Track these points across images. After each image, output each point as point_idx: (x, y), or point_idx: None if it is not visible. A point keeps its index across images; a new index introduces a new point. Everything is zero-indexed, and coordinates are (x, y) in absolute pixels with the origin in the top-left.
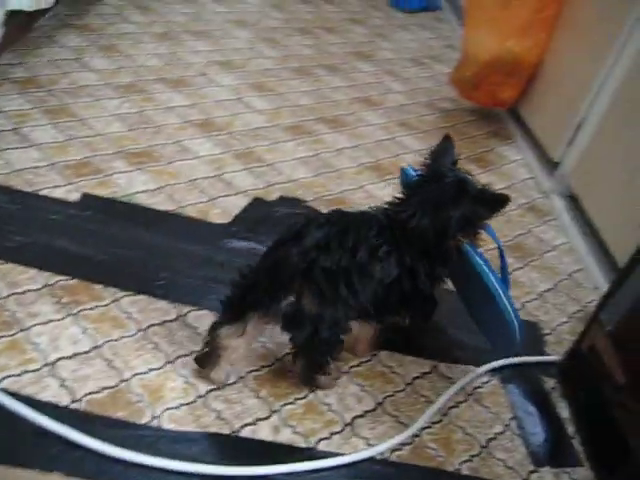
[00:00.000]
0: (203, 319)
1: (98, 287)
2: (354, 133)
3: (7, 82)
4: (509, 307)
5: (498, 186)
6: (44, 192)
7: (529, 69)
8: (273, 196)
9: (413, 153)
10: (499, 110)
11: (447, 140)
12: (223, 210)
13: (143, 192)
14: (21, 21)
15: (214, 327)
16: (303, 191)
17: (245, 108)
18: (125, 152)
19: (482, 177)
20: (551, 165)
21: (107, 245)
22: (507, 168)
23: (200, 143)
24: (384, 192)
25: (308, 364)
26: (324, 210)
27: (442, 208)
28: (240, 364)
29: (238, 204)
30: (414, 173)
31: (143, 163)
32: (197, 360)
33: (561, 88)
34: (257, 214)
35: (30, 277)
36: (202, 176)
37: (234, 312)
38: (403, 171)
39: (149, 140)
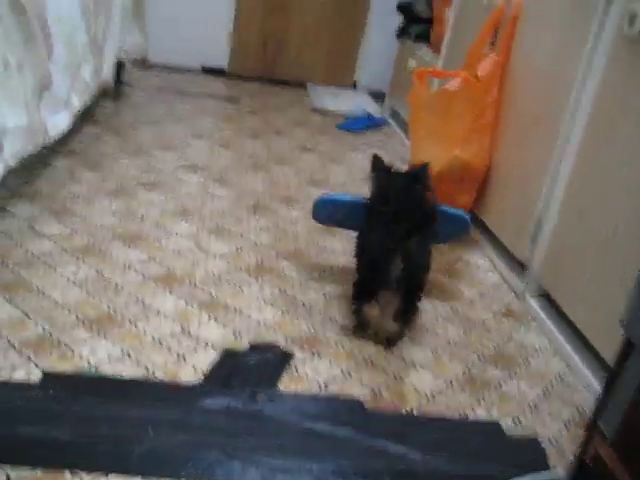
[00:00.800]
0: None
1: (66, 475)
2: (317, 263)
3: None
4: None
5: (471, 294)
6: (3, 377)
7: (479, 173)
8: (243, 344)
9: None
10: None
11: (377, 157)
12: (193, 367)
13: (107, 361)
14: None
15: (357, 310)
16: (273, 334)
17: (205, 254)
18: (86, 319)
19: (454, 288)
20: (519, 265)
21: (73, 425)
22: (477, 275)
23: (163, 298)
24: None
25: (409, 306)
26: (297, 352)
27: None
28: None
29: (208, 359)
30: (340, 197)
31: (105, 328)
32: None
33: (515, 188)
34: (229, 367)
35: None
36: (168, 333)
37: (367, 295)
38: (322, 201)
39: (109, 303)
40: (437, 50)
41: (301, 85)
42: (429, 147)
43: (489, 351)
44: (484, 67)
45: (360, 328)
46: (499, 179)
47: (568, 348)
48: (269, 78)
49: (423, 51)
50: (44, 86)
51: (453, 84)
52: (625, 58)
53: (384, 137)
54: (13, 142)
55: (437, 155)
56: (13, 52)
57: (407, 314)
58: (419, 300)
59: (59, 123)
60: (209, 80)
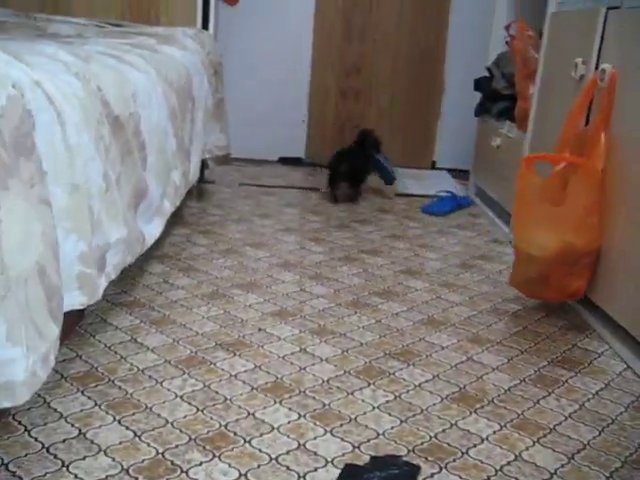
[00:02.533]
0: None
1: None
2: (427, 362)
3: (65, 381)
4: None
5: (597, 386)
6: None
7: (591, 255)
8: (364, 458)
9: (495, 371)
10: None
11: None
12: None
13: None
14: (72, 312)
15: (332, 190)
16: (394, 445)
17: (311, 359)
18: (198, 438)
19: (575, 380)
20: None
21: None
22: (598, 363)
23: (274, 411)
24: (478, 426)
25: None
26: (422, 464)
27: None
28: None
29: (329, 477)
30: None
31: (219, 448)
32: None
33: (634, 268)
34: None
35: None
36: (284, 450)
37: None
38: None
39: (220, 419)
40: (523, 126)
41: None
42: (538, 233)
43: (631, 454)
44: (589, 144)
45: (334, 199)
46: (613, 259)
47: None
48: None
49: (507, 128)
50: (140, 196)
51: (565, 168)
52: None
53: (472, 218)
54: (115, 255)
55: (547, 242)
56: (113, 168)
57: (355, 189)
58: (360, 185)
59: (154, 231)
60: (288, 170)
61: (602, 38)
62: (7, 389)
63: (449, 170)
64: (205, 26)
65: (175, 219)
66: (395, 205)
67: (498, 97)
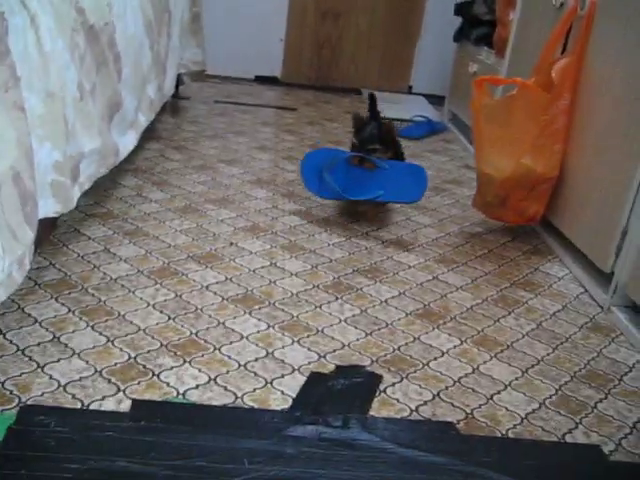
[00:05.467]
0: None
1: None
2: (395, 280)
3: (39, 288)
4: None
5: (554, 307)
6: (94, 405)
7: (550, 181)
8: (329, 367)
9: (459, 290)
10: (532, 226)
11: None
12: (282, 393)
13: (195, 388)
14: (46, 221)
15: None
16: (358, 356)
17: (281, 273)
18: (169, 344)
19: (534, 302)
20: (603, 276)
21: (166, 457)
22: (557, 287)
23: (243, 320)
24: (440, 341)
25: None
26: (384, 374)
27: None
28: None
29: (296, 383)
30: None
31: (190, 354)
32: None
33: (594, 195)
34: (317, 392)
35: None
36: (253, 358)
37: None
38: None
39: (191, 327)
40: (500, 53)
41: (355, 91)
42: (494, 155)
43: (580, 369)
44: (558, 70)
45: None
46: (576, 186)
47: None
48: (323, 85)
49: (484, 54)
50: (115, 108)
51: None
52: None
53: (445, 143)
54: (88, 165)
55: (504, 163)
56: (88, 78)
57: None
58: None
59: (128, 143)
60: (263, 89)
61: None
62: None
63: (425, 95)
64: None
65: (149, 134)
66: None
67: (478, 22)
